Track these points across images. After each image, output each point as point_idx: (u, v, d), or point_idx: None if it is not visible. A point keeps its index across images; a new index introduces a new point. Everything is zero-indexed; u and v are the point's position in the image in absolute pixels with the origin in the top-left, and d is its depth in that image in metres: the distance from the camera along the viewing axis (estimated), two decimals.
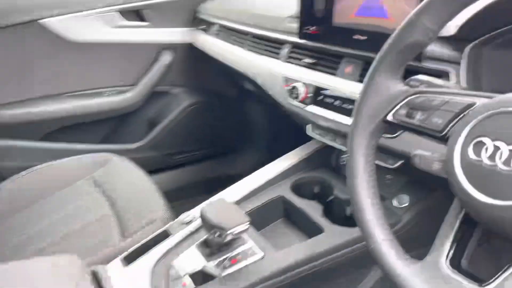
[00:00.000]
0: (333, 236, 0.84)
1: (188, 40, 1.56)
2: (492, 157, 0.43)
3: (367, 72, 0.59)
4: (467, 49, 0.70)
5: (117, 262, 0.82)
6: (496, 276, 0.43)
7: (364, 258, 0.87)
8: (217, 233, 0.77)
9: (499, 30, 0.67)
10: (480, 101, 0.49)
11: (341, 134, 0.95)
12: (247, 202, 0.96)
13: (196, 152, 1.74)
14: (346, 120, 0.88)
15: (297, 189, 1.01)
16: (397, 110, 0.56)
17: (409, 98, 0.56)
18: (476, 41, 0.69)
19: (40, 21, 1.32)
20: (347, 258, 0.84)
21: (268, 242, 0.84)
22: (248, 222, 0.76)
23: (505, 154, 0.42)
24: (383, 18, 0.78)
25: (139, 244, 0.86)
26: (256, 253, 0.81)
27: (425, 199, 0.89)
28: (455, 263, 0.49)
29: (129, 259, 0.82)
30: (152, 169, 1.60)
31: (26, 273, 0.72)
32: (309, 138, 1.10)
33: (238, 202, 0.95)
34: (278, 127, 1.75)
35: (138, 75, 1.54)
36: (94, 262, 0.85)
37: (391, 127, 0.58)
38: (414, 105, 0.55)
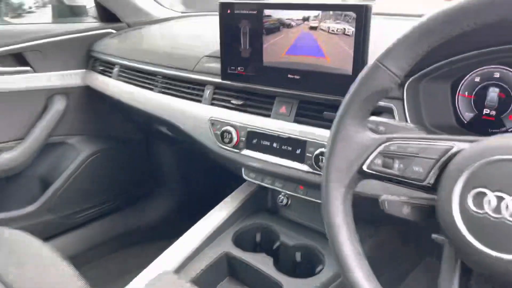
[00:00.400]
0: None
1: (83, 83, 1.38)
2: (497, 210, 0.41)
3: (334, 122, 0.54)
4: (407, 84, 0.71)
5: None
6: None
7: None
8: None
9: (435, 65, 0.69)
10: (457, 145, 0.47)
11: (280, 177, 0.90)
12: (188, 268, 0.84)
13: (101, 207, 1.54)
14: (286, 163, 0.84)
15: (239, 240, 0.92)
16: (372, 160, 0.52)
17: (382, 146, 0.52)
18: (415, 75, 0.70)
19: None
20: None
21: None
22: None
23: (511, 206, 0.41)
24: (319, 57, 0.76)
25: None
26: None
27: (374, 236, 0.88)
28: None
29: None
30: (50, 235, 1.37)
31: None
32: (227, 179, 1.04)
33: (177, 271, 0.83)
34: (189, 170, 1.64)
35: (26, 127, 1.31)
36: None
37: (368, 178, 0.54)
38: (389, 153, 0.52)
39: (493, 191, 0.42)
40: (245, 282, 0.88)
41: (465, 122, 0.71)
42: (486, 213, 0.42)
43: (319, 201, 0.83)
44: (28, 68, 1.29)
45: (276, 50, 0.82)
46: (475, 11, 0.45)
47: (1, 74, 1.25)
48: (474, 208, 0.43)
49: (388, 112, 0.72)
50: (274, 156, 0.86)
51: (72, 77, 1.37)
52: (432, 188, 0.48)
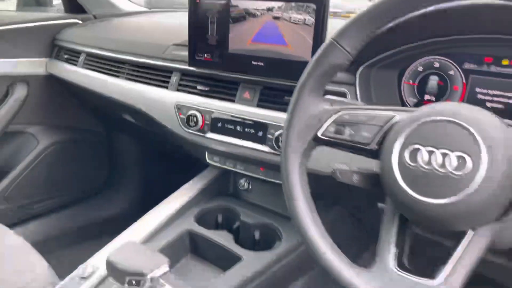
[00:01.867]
0: (253, 262, 0.82)
1: (46, 71, 1.38)
2: (428, 162, 0.48)
3: (292, 94, 0.61)
4: (359, 71, 0.79)
5: None
6: (439, 269, 0.48)
7: (284, 277, 0.88)
8: (133, 282, 0.68)
9: (384, 54, 0.77)
10: (399, 114, 0.55)
11: (242, 159, 0.95)
12: (151, 241, 0.87)
13: (60, 198, 1.53)
14: (249, 144, 0.89)
15: (202, 220, 0.96)
16: (326, 128, 0.59)
17: (336, 115, 0.59)
18: (367, 63, 0.78)
19: None
20: (269, 282, 0.83)
21: (187, 284, 0.78)
22: (166, 264, 0.69)
23: (439, 158, 0.48)
24: (281, 45, 0.82)
25: None
26: None
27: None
28: (401, 264, 0.52)
29: None
30: (8, 224, 1.34)
31: None
32: (190, 168, 1.08)
33: (143, 243, 0.85)
34: (151, 161, 1.66)
35: None
36: None
37: (322, 145, 0.60)
38: (342, 121, 0.58)
39: (425, 146, 0.49)
40: (207, 257, 0.91)
41: (409, 106, 0.80)
42: (419, 164, 0.49)
43: (278, 181, 0.89)
44: None
45: (242, 38, 0.87)
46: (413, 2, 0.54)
47: None
48: (409, 161, 0.50)
49: (342, 96, 0.80)
50: (238, 139, 0.91)
51: (34, 65, 1.36)
52: (376, 152, 0.55)
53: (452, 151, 0.47)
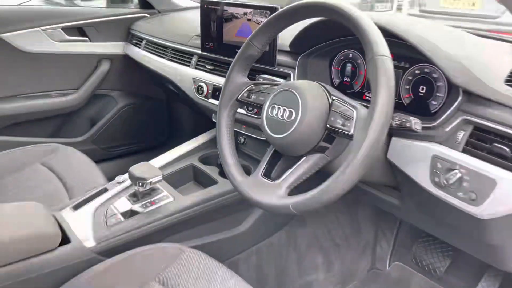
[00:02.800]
0: (224, 185, 1.22)
1: (123, 52, 1.90)
2: (279, 114, 0.83)
3: (227, 72, 0.98)
4: (299, 59, 1.12)
5: (67, 209, 1.14)
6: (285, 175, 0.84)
7: (246, 202, 1.26)
8: (140, 184, 1.12)
9: (316, 46, 1.09)
10: (276, 86, 0.90)
11: (237, 121, 1.34)
12: (166, 168, 1.32)
13: (130, 146, 2.07)
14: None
15: (204, 160, 1.38)
16: (242, 93, 0.96)
17: (249, 86, 0.95)
18: (304, 53, 1.11)
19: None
20: (233, 201, 1.22)
21: (179, 193, 1.20)
22: (161, 175, 1.13)
23: (281, 112, 0.83)
24: None
25: (84, 197, 1.18)
26: (168, 198, 1.17)
27: None
28: (267, 175, 0.88)
29: (76, 207, 1.14)
30: (95, 160, 1.91)
31: None
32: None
33: (160, 169, 1.30)
34: (197, 122, 2.11)
35: (80, 80, 1.85)
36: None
37: (240, 104, 0.97)
38: (251, 90, 0.95)
39: (278, 105, 0.84)
40: (202, 183, 1.34)
41: (335, 85, 1.11)
42: (274, 116, 0.84)
43: (254, 136, 1.27)
44: (86, 38, 1.82)
45: (230, 33, 1.26)
46: (299, 12, 0.86)
47: (68, 41, 1.79)
48: (270, 114, 0.85)
49: (288, 76, 1.14)
50: None
51: (115, 47, 1.89)
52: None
53: (287, 108, 0.82)
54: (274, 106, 0.85)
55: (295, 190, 0.83)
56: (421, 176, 0.83)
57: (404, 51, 0.91)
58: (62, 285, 0.93)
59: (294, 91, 0.82)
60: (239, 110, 1.26)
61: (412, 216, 1.07)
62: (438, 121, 0.80)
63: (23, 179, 1.38)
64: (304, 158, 0.83)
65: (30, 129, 1.79)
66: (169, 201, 1.16)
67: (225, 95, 0.98)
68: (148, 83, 2.00)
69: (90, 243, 1.03)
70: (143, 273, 0.95)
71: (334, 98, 0.82)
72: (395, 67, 0.95)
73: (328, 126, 0.79)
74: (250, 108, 1.22)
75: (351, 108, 0.78)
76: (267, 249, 1.36)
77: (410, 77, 0.94)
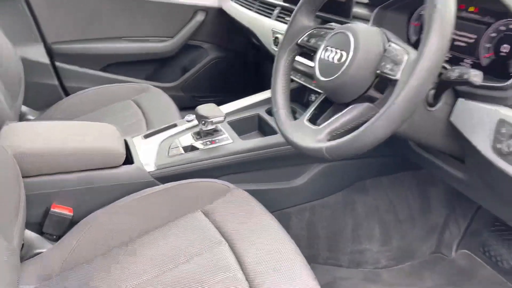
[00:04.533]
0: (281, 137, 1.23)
1: (218, 5, 1.97)
2: (328, 56, 0.81)
3: (291, 15, 0.97)
4: (376, 10, 1.05)
5: (140, 137, 1.26)
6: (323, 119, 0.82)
7: (304, 156, 1.25)
8: (203, 122, 1.18)
9: None
10: (337, 27, 0.86)
11: (310, 76, 1.32)
12: (233, 114, 1.36)
13: (214, 97, 2.16)
14: (304, 61, 1.26)
15: (271, 112, 1.39)
16: (303, 37, 0.94)
17: (311, 30, 0.93)
18: (382, 4, 1.04)
19: None
20: (291, 153, 1.22)
21: (239, 137, 1.24)
22: (223, 116, 1.17)
23: (337, 54, 0.80)
24: None
25: (155, 129, 1.29)
26: (228, 139, 1.21)
27: None
28: (313, 121, 0.87)
29: (147, 136, 1.25)
30: (182, 107, 2.05)
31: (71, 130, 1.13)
32: None
33: (227, 115, 1.35)
34: None
35: (176, 29, 1.97)
36: None
37: (300, 49, 0.96)
38: (312, 34, 0.93)
39: (331, 47, 0.81)
40: (265, 135, 1.35)
41: (412, 43, 1.03)
42: (326, 58, 0.82)
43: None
44: None
45: None
46: None
47: None
48: (322, 57, 0.83)
49: None
50: (300, 57, 1.29)
51: (211, 0, 1.97)
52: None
53: (340, 50, 0.79)
54: (327, 49, 0.82)
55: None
56: (483, 142, 0.74)
57: (490, 4, 0.81)
58: (117, 200, 1.03)
59: (348, 33, 0.78)
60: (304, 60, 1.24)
61: (477, 193, 0.97)
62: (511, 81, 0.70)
63: (113, 111, 1.55)
64: (352, 106, 0.80)
65: (128, 70, 1.97)
66: (228, 142, 1.21)
67: (286, 37, 0.97)
68: (238, 38, 2.05)
69: (150, 167, 1.12)
70: (190, 202, 1.01)
71: (391, 44, 0.76)
72: (478, 22, 0.86)
73: (377, 72, 0.74)
74: None
75: (403, 53, 0.72)
76: (322, 208, 1.34)
77: (493, 34, 0.83)
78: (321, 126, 0.81)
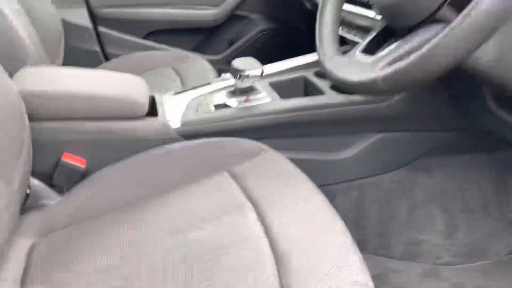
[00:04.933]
0: (332, 98, 1.05)
1: None
2: None
3: None
4: None
5: (170, 94, 1.13)
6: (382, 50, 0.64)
7: (356, 122, 1.06)
8: (239, 76, 1.03)
9: None
10: None
11: (354, 26, 1.14)
12: (276, 76, 1.20)
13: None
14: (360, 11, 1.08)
15: (320, 75, 1.21)
16: None
17: None
18: None
19: None
20: (341, 118, 1.04)
21: (272, 91, 1.08)
22: (261, 69, 1.01)
23: None
24: None
25: (187, 88, 1.16)
26: (266, 98, 1.06)
27: None
28: (369, 51, 0.69)
29: (177, 93, 1.13)
30: None
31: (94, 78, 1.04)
32: None
33: (270, 76, 1.19)
34: None
35: None
36: None
37: None
38: None
39: None
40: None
41: None
42: None
43: None
44: None
45: None
46: None
47: None
48: None
49: None
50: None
51: None
52: None
53: None
54: None
55: None
56: None
57: None
58: (138, 154, 0.91)
59: None
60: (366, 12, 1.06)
61: None
62: None
63: (152, 76, 1.47)
64: (420, 29, 0.61)
65: (171, 39, 1.87)
66: (266, 101, 1.05)
67: None
68: (289, 6, 1.89)
69: (175, 123, 1.00)
70: (216, 162, 0.87)
71: None
72: None
73: None
74: None
75: None
76: (373, 187, 1.14)
77: None
78: (378, 55, 0.63)
